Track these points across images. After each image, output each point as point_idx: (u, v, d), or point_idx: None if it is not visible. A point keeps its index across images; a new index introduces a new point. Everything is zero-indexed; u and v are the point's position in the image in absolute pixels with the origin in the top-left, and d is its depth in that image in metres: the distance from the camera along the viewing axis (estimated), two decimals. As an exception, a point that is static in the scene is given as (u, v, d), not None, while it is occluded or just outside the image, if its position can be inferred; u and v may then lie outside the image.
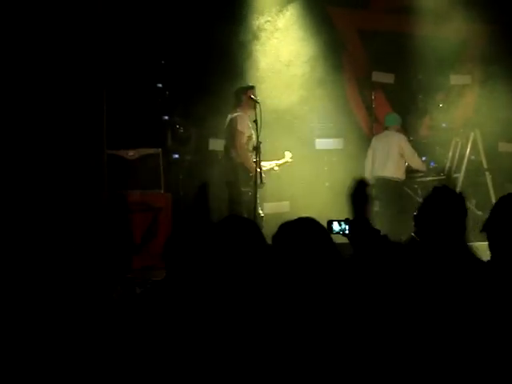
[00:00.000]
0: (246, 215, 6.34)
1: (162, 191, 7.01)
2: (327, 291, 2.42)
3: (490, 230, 2.73)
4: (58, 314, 2.69)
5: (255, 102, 6.65)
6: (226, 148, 6.79)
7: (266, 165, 6.88)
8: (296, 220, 2.56)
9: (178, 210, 7.26)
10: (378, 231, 3.20)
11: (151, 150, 7.05)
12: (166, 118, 7.58)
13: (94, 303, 2.82)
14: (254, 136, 6.65)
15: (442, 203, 2.94)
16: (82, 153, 5.62)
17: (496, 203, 2.78)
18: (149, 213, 6.85)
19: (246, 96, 6.74)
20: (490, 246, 2.73)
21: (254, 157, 6.64)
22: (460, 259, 2.86)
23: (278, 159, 7.08)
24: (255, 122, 6.62)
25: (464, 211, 2.94)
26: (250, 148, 6.69)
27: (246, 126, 6.68)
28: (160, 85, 7.58)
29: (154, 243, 6.78)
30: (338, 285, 2.47)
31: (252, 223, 2.65)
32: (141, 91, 7.40)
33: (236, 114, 6.72)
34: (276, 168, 7.05)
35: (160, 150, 7.08)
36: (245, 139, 6.68)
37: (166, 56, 7.52)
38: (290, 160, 7.10)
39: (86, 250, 3.03)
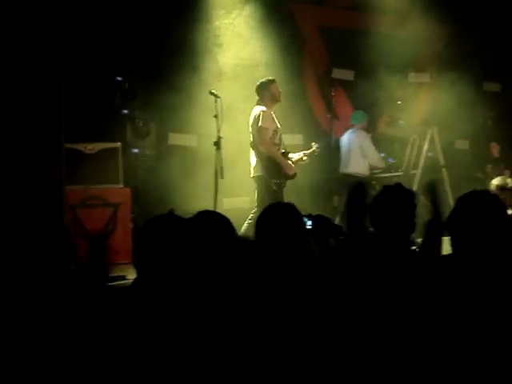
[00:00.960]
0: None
1: (121, 186, 6.92)
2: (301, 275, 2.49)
3: (451, 226, 2.79)
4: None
5: (216, 96, 6.63)
6: (254, 143, 6.79)
7: (294, 156, 6.94)
8: (278, 203, 2.78)
9: (137, 204, 7.19)
10: (340, 227, 3.25)
11: (110, 144, 6.93)
12: (126, 111, 7.48)
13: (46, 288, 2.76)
14: (280, 128, 6.80)
15: (390, 201, 3.02)
16: (39, 146, 5.53)
17: (458, 200, 2.84)
18: (107, 208, 6.76)
19: (267, 90, 6.77)
20: (452, 241, 2.79)
21: (281, 149, 6.78)
22: (406, 254, 2.95)
23: (307, 149, 7.14)
24: (215, 116, 6.61)
25: (413, 207, 3.04)
26: (277, 141, 6.78)
27: (269, 121, 6.70)
28: (119, 78, 7.48)
29: (112, 238, 6.71)
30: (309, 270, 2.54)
31: (224, 218, 2.65)
32: (100, 84, 7.28)
33: (260, 110, 6.70)
34: (305, 158, 7.06)
35: (119, 144, 6.97)
36: (270, 133, 6.70)
37: (126, 49, 7.41)
38: (318, 150, 7.15)
39: (37, 244, 2.95)
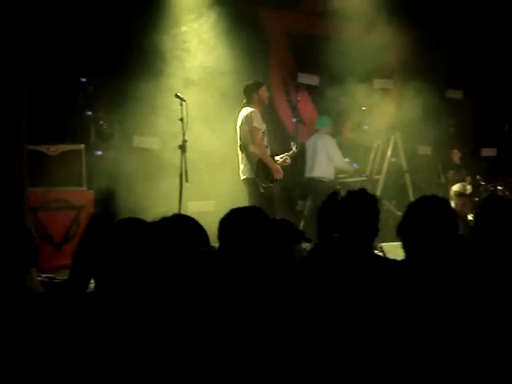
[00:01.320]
0: (267, 210, 6.29)
1: (84, 188, 6.84)
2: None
3: (403, 231, 2.83)
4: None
5: (181, 100, 6.61)
6: (243, 145, 6.76)
7: (278, 158, 6.93)
8: (245, 207, 2.75)
9: (100, 207, 7.11)
10: (303, 232, 3.27)
11: (73, 146, 6.84)
12: (90, 113, 7.40)
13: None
14: (266, 131, 6.79)
15: (354, 206, 3.06)
16: (1, 147, 5.44)
17: (408, 207, 2.88)
18: (70, 211, 6.67)
19: (256, 93, 6.81)
20: (404, 247, 2.83)
21: (268, 151, 6.81)
22: (368, 260, 2.98)
23: (287, 151, 7.12)
24: (181, 120, 6.59)
25: (376, 212, 3.07)
26: (266, 143, 6.80)
27: (260, 122, 6.72)
28: (84, 79, 7.39)
29: (75, 242, 6.61)
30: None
31: (195, 222, 2.60)
32: (64, 85, 7.19)
33: (250, 111, 6.71)
34: (288, 160, 7.04)
35: (83, 146, 6.89)
36: (260, 135, 6.69)
37: (91, 50, 7.32)
38: (296, 150, 7.18)
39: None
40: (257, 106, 6.82)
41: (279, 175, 6.75)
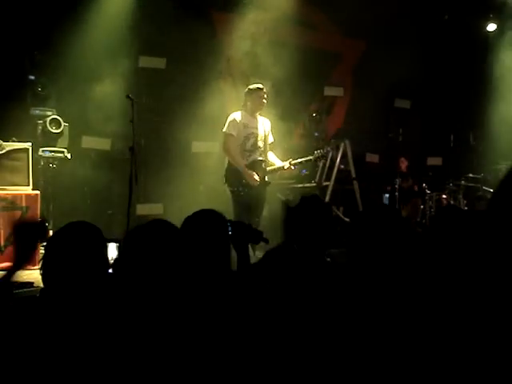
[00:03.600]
0: (240, 216, 6.12)
1: (30, 189, 6.69)
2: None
3: (350, 239, 2.85)
4: None
5: (132, 101, 6.54)
6: None
7: (279, 164, 6.66)
8: (199, 211, 2.73)
9: (46, 208, 6.98)
10: (260, 232, 3.28)
11: (20, 145, 6.69)
12: (37, 112, 7.24)
13: None
14: (259, 134, 6.57)
15: (308, 212, 3.06)
16: None
17: (353, 215, 2.90)
18: (15, 211, 6.51)
19: (249, 97, 6.59)
20: (348, 253, 2.86)
21: (254, 155, 6.56)
22: (320, 266, 3.00)
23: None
24: (131, 121, 6.52)
25: (330, 219, 3.09)
26: (249, 147, 6.57)
27: (237, 127, 6.50)
28: (32, 77, 7.24)
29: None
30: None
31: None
32: (11, 83, 7.04)
33: (231, 117, 6.55)
34: (292, 167, 6.62)
35: (30, 144, 6.75)
36: (240, 140, 6.51)
37: (40, 47, 7.20)
38: (321, 158, 6.84)
39: None
40: (249, 111, 6.62)
41: (252, 181, 6.49)
